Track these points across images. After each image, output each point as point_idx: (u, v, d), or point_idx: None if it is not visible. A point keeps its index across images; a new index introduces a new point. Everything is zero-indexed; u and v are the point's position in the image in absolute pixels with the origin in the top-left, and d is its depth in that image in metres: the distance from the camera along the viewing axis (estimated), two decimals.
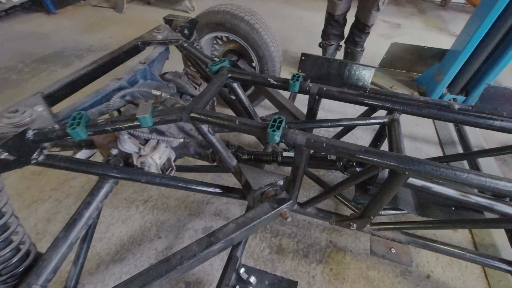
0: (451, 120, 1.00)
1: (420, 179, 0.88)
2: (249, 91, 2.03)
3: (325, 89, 1.03)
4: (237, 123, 0.81)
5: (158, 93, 1.04)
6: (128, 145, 0.96)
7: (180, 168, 1.34)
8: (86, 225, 0.85)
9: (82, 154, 1.07)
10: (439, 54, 2.36)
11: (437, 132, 2.17)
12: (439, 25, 4.19)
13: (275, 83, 1.06)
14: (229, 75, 1.10)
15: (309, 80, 1.15)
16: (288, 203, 0.93)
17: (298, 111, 1.35)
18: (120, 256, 1.37)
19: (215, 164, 1.17)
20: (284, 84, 1.05)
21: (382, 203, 0.86)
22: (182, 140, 1.07)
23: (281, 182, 0.97)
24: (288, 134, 0.78)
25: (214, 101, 1.41)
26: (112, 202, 1.61)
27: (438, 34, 3.88)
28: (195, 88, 1.30)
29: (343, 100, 1.04)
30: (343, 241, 1.46)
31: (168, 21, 1.50)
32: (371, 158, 0.70)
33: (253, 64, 1.84)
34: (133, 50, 1.27)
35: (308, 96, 1.10)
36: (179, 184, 1.04)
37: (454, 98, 2.25)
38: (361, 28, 2.40)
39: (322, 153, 1.06)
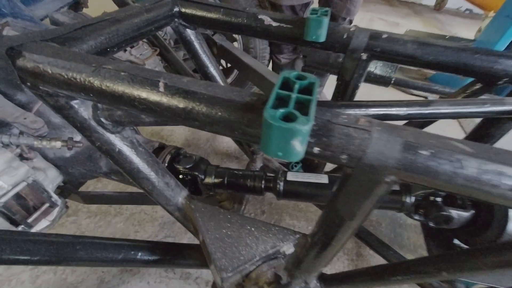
0: None
1: None
2: (230, 78, 1.46)
3: (384, 36, 0.46)
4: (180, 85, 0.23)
5: None
6: None
7: (88, 197, 0.72)
8: None
9: None
10: None
11: None
12: (438, 26, 3.91)
13: (274, 24, 0.49)
14: (177, 8, 0.52)
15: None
16: None
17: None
18: None
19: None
20: (295, 29, 0.48)
21: None
22: (63, 143, 0.46)
23: (289, 249, 0.40)
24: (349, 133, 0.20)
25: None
26: None
27: (440, 34, 3.57)
28: (124, 51, 0.71)
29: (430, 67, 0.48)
30: None
31: None
32: None
33: (236, 44, 1.31)
34: None
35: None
36: (50, 256, 0.42)
37: None
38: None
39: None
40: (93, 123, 0.33)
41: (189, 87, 0.25)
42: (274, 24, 0.49)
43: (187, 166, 0.58)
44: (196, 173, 0.58)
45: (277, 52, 1.35)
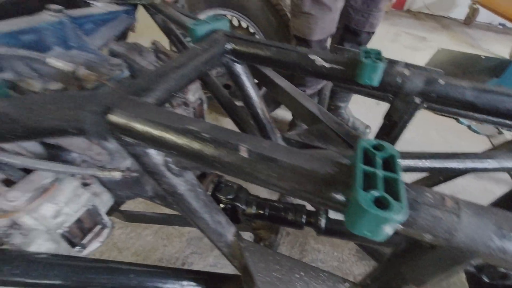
0: None
1: None
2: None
3: (441, 82, 0.45)
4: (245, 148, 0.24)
5: (67, 66, 0.47)
6: None
7: (130, 216, 0.75)
8: None
9: None
10: (499, 67, 1.85)
11: None
12: (468, 41, 3.77)
13: (326, 65, 0.49)
14: (229, 45, 0.54)
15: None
16: None
17: (354, 134, 0.76)
18: None
19: None
20: (347, 71, 0.49)
21: None
22: (122, 174, 0.49)
23: None
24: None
25: (202, 101, 0.84)
26: None
27: (471, 50, 3.44)
28: None
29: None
30: None
31: None
32: None
33: None
34: (61, 1, 0.71)
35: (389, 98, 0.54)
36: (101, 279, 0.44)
37: None
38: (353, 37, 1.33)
39: None
40: (163, 168, 0.35)
41: (270, 153, 0.26)
42: (326, 65, 0.50)
43: (229, 197, 0.59)
44: (238, 204, 0.59)
45: (301, 85, 1.26)
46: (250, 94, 0.61)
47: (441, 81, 0.46)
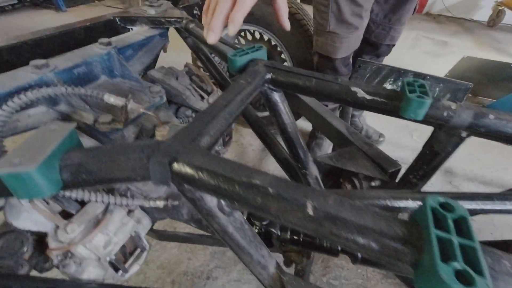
0: None
1: None
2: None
3: (491, 117, 0.44)
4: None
5: (119, 101, 0.49)
6: (28, 217, 0.40)
7: (163, 236, 0.77)
8: None
9: None
10: None
11: None
12: (494, 45, 3.62)
13: (368, 97, 0.49)
14: (269, 75, 0.55)
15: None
16: None
17: (385, 156, 0.74)
18: None
19: None
20: (390, 104, 0.48)
21: None
22: (164, 203, 0.51)
23: None
24: None
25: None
26: None
27: (496, 54, 3.30)
28: (202, 99, 0.76)
29: None
30: None
31: None
32: None
33: None
34: (104, 29, 0.75)
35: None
36: None
37: None
38: (372, 49, 1.29)
39: None
40: (216, 210, 0.36)
41: (337, 212, 0.26)
42: (368, 97, 0.50)
43: (264, 223, 0.60)
44: (273, 229, 0.59)
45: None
46: (285, 121, 0.62)
47: (491, 116, 0.45)
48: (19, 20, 3.63)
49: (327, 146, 1.50)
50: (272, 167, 1.54)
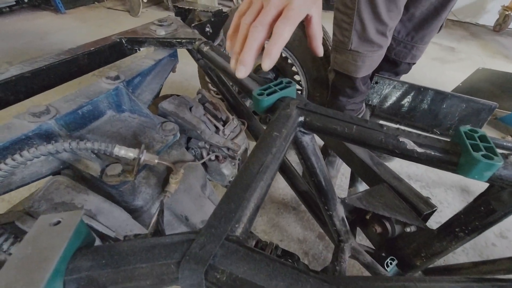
0: None
1: None
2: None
3: None
4: None
5: (131, 153, 0.42)
6: None
7: None
8: None
9: None
10: None
11: None
12: (502, 51, 3.57)
13: (419, 150, 0.42)
14: (302, 118, 0.48)
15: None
16: None
17: (416, 193, 0.67)
18: None
19: None
20: (447, 159, 0.41)
21: None
22: None
23: None
24: None
25: (247, 148, 0.79)
26: None
27: (506, 62, 3.25)
28: (217, 129, 0.69)
29: None
30: None
31: (180, 11, 0.92)
32: None
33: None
34: (109, 52, 0.67)
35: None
36: None
37: None
38: (391, 67, 1.23)
39: None
40: None
41: None
42: (419, 150, 0.43)
43: None
44: None
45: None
46: (315, 164, 0.55)
47: None
48: (17, 23, 3.54)
49: (340, 164, 1.44)
50: (282, 185, 1.47)
